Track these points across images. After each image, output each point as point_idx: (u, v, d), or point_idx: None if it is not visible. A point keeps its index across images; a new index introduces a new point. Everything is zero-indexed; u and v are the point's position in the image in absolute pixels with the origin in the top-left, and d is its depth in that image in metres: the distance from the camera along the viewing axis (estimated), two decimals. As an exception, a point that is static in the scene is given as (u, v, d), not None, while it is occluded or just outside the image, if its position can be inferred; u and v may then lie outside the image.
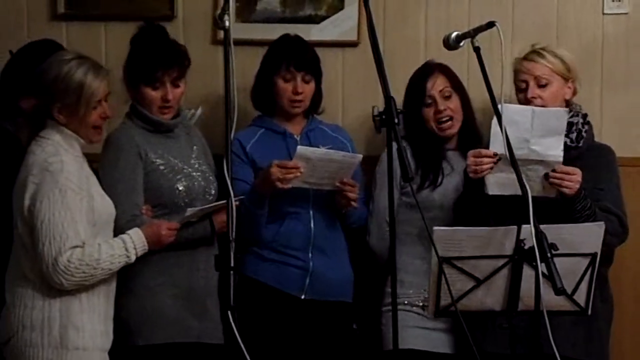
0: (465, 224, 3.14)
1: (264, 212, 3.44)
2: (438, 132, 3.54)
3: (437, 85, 3.53)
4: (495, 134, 3.15)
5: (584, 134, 3.44)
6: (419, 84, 3.54)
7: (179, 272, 3.35)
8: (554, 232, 2.82)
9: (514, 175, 3.02)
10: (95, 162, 3.31)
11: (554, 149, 3.20)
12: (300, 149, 3.36)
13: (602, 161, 3.45)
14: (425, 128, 3.53)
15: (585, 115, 3.47)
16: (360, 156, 3.46)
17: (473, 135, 3.56)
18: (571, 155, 3.33)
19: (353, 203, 3.47)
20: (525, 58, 3.45)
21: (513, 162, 2.92)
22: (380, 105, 2.75)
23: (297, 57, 3.52)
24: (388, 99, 2.70)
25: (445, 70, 3.57)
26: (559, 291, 2.74)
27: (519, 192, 2.96)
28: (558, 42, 3.82)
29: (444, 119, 3.53)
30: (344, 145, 3.62)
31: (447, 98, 3.54)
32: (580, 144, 3.42)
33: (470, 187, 3.31)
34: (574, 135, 3.41)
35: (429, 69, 3.56)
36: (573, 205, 3.24)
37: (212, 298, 3.39)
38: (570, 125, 3.39)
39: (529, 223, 2.79)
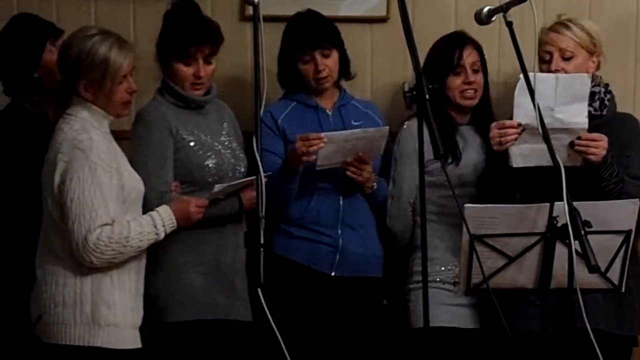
0: (491, 199, 3.12)
1: (295, 187, 3.43)
2: (460, 101, 3.50)
3: (471, 57, 3.51)
4: (519, 104, 3.13)
5: (606, 102, 3.42)
6: (452, 51, 3.49)
7: (207, 249, 3.35)
8: (587, 209, 2.80)
9: (538, 146, 3.02)
10: (123, 139, 3.31)
11: (578, 115, 3.18)
12: (326, 135, 3.33)
13: (626, 128, 3.42)
14: (442, 99, 3.47)
15: (606, 85, 3.45)
16: (387, 128, 3.44)
17: (487, 111, 3.55)
18: (596, 124, 3.31)
19: (352, 176, 3.41)
20: (551, 29, 3.41)
21: (545, 135, 2.88)
22: (410, 81, 2.72)
23: (308, 36, 3.49)
24: (419, 75, 2.68)
25: (477, 45, 3.55)
26: (593, 269, 2.72)
27: (544, 163, 2.95)
28: (591, 16, 3.76)
29: (470, 90, 3.50)
30: (375, 121, 3.59)
31: (476, 72, 3.52)
32: (604, 113, 3.40)
33: (494, 160, 3.28)
34: (597, 104, 3.39)
35: (462, 39, 3.53)
36: (599, 172, 3.21)
37: (240, 275, 3.40)
38: (592, 94, 3.37)
39: (558, 196, 2.76)
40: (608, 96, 3.43)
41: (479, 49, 3.55)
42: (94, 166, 3.01)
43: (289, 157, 3.39)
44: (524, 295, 3.22)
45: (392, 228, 3.56)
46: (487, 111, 3.55)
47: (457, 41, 3.52)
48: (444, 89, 3.48)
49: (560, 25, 3.41)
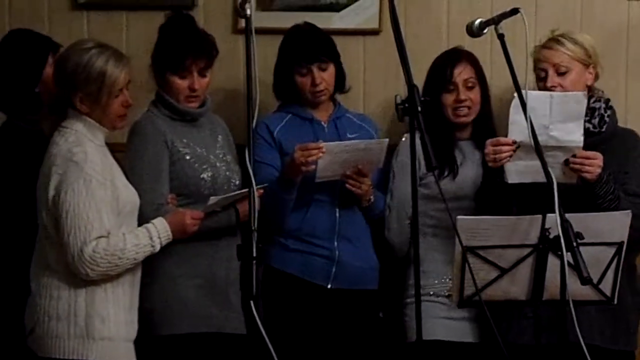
0: (488, 214, 3.12)
1: (292, 198, 3.43)
2: (453, 118, 3.51)
3: (464, 73, 3.51)
4: (514, 121, 3.14)
5: (606, 119, 3.41)
6: (444, 69, 3.51)
7: (201, 262, 3.35)
8: (579, 220, 2.80)
9: (533, 163, 3.01)
10: (119, 152, 3.31)
11: (573, 134, 3.17)
12: (325, 145, 3.34)
13: (626, 145, 3.42)
14: (440, 114, 3.50)
15: (607, 100, 3.45)
16: (387, 140, 3.44)
17: (488, 126, 3.54)
18: (594, 141, 3.30)
19: (352, 188, 3.42)
20: (544, 46, 3.42)
21: (538, 150, 2.89)
22: (403, 94, 2.73)
23: (307, 50, 3.50)
24: (411, 87, 2.68)
25: (472, 60, 3.55)
26: (585, 280, 2.72)
27: (539, 180, 2.95)
28: (582, 28, 3.78)
29: (462, 108, 3.51)
30: (370, 134, 3.61)
31: (470, 88, 3.52)
32: (604, 129, 3.40)
33: (491, 176, 3.29)
34: (596, 121, 3.38)
35: (457, 56, 3.54)
36: (595, 190, 3.21)
37: (234, 288, 3.38)
38: (592, 110, 3.37)
39: (553, 211, 2.77)
40: (608, 112, 3.42)
41: (474, 63, 3.54)
42: (88, 178, 3.01)
43: (288, 168, 3.39)
44: (517, 307, 3.22)
45: (390, 240, 3.56)
46: (488, 125, 3.54)
47: (450, 58, 3.53)
48: (440, 105, 3.50)
49: (552, 41, 3.42)
